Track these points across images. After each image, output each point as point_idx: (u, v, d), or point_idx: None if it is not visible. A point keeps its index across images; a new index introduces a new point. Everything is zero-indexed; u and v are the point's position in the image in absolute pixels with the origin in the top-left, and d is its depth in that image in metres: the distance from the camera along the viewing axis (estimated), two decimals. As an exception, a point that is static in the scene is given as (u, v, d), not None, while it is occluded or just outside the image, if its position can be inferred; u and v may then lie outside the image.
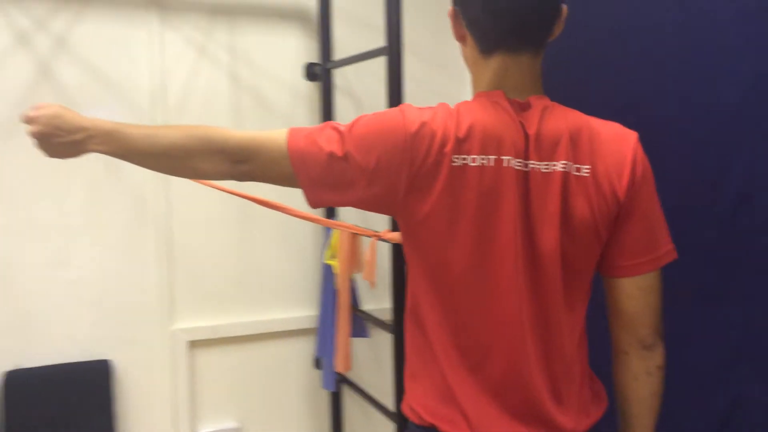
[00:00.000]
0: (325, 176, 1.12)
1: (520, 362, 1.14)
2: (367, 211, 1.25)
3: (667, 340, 1.35)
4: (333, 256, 2.23)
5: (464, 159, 1.08)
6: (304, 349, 2.50)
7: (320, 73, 2.40)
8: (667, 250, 1.18)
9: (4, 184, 2.10)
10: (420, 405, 1.18)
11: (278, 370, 2.48)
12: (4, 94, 2.09)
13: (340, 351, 2.17)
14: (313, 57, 2.45)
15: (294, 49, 2.45)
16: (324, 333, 2.28)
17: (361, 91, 2.53)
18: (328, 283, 2.27)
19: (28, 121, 1.20)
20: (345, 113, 2.46)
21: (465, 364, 1.15)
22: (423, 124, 1.09)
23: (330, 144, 1.11)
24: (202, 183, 1.76)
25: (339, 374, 2.27)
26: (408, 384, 1.23)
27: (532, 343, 1.14)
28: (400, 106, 1.14)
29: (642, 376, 1.20)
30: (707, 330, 1.40)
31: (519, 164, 1.10)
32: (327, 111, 2.40)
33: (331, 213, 2.40)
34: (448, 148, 1.08)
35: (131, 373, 2.27)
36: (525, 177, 1.11)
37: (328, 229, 2.31)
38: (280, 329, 2.46)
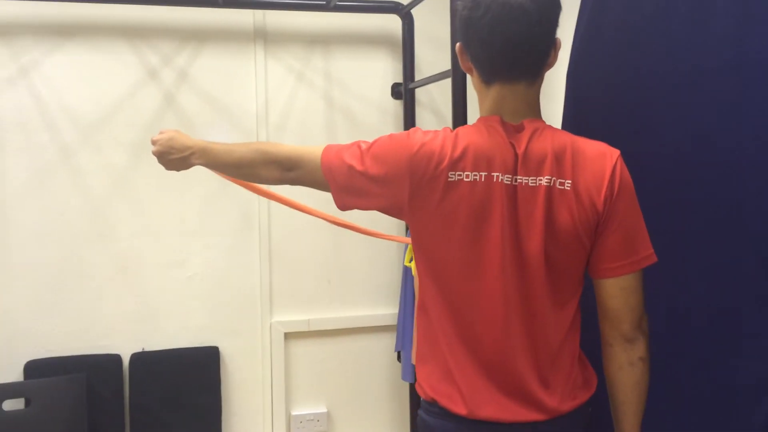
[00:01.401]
0: (347, 184, 1.35)
1: (507, 351, 1.29)
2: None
3: (715, 346, 1.41)
4: (412, 260, 2.43)
5: (459, 175, 1.26)
6: (387, 343, 2.71)
7: (403, 92, 2.63)
8: (645, 255, 1.29)
9: (134, 195, 2.48)
10: (426, 383, 1.36)
11: (363, 361, 2.71)
12: (136, 119, 2.46)
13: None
14: (400, 77, 2.67)
15: (382, 70, 2.69)
16: (403, 329, 2.48)
17: (443, 106, 2.72)
18: (408, 284, 2.47)
19: (152, 143, 1.58)
20: (427, 127, 2.64)
21: (463, 350, 1.31)
22: (422, 145, 1.28)
23: (353, 159, 1.33)
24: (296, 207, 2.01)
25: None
26: (418, 366, 1.40)
27: (519, 336, 1.29)
28: (409, 130, 1.35)
29: (626, 366, 1.31)
30: (757, 337, 1.39)
31: (508, 179, 1.26)
32: (410, 126, 2.61)
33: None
34: (444, 165, 1.26)
35: (235, 358, 2.58)
36: (513, 190, 1.26)
37: (408, 234, 2.51)
38: (365, 324, 2.69)
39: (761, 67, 1.35)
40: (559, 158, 1.26)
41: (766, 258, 1.36)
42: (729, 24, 1.41)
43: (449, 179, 1.26)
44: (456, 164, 1.26)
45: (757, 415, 1.37)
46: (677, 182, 1.52)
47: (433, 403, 1.34)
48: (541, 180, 1.25)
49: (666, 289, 1.47)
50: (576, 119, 1.76)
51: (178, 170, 1.60)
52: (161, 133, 1.58)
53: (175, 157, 1.54)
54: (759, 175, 1.37)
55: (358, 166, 1.32)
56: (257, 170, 1.45)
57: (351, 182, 1.34)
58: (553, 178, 1.25)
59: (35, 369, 2.35)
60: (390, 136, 1.35)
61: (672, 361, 1.47)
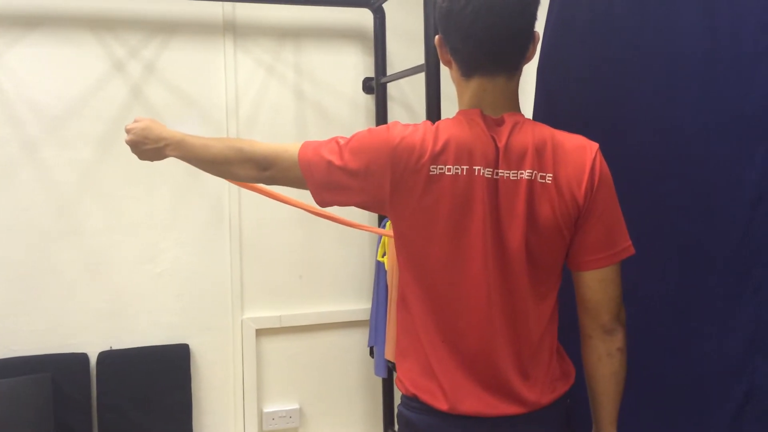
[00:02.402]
0: (327, 180, 1.32)
1: (489, 344, 1.29)
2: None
3: (689, 334, 1.44)
4: (384, 254, 2.43)
5: (441, 169, 1.25)
6: (359, 339, 2.71)
7: (375, 86, 2.62)
8: (624, 247, 1.30)
9: (102, 189, 2.42)
10: (407, 378, 1.35)
11: (336, 357, 2.70)
12: (102, 112, 2.41)
13: (391, 340, 2.34)
14: (371, 71, 2.66)
15: (353, 65, 2.67)
16: (376, 324, 2.47)
17: (414, 101, 2.72)
18: (380, 279, 2.46)
19: (126, 131, 1.53)
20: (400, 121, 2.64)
21: (444, 344, 1.31)
22: (403, 138, 1.27)
23: (331, 154, 1.31)
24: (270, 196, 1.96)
25: (389, 362, 2.43)
26: (398, 360, 1.40)
27: (501, 328, 1.29)
28: (389, 124, 1.33)
29: (604, 357, 1.32)
30: (726, 327, 1.44)
31: (489, 173, 1.25)
32: (382, 121, 2.61)
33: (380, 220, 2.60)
34: (425, 159, 1.25)
35: (206, 356, 2.55)
36: (495, 184, 1.26)
37: (381, 228, 2.51)
38: (338, 320, 2.68)
39: (732, 59, 1.38)
40: (540, 152, 1.26)
41: (734, 249, 1.39)
42: (697, 18, 1.43)
43: (431, 173, 1.25)
44: (437, 158, 1.25)
45: (729, 403, 1.41)
46: (647, 175, 1.54)
47: (413, 399, 1.34)
48: (522, 174, 1.25)
49: (636, 280, 1.49)
50: (547, 114, 1.77)
51: (151, 161, 1.55)
52: (136, 121, 1.53)
53: (149, 148, 1.50)
54: (728, 167, 1.39)
55: (337, 161, 1.30)
56: (233, 168, 1.42)
57: (330, 178, 1.32)
58: (534, 172, 1.25)
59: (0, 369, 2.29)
60: (369, 130, 1.34)
61: (643, 351, 1.50)
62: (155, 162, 1.56)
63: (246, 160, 1.39)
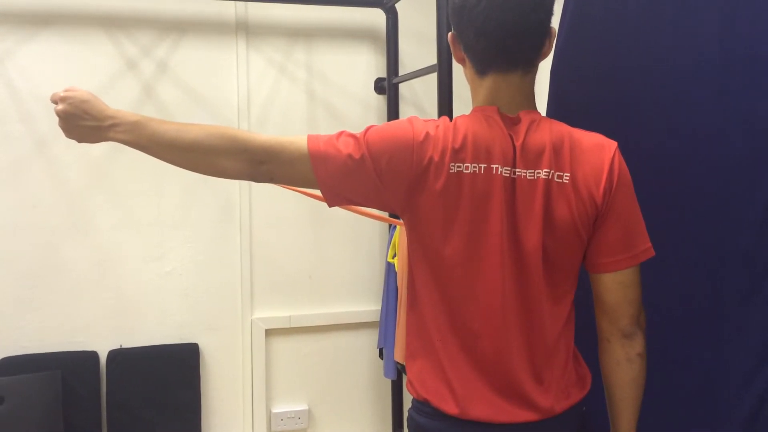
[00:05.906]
0: (342, 174, 1.25)
1: (503, 347, 1.26)
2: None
3: (701, 338, 1.43)
4: (395, 256, 2.41)
5: (459, 167, 1.22)
6: (368, 340, 2.70)
7: (387, 87, 2.60)
8: (644, 248, 1.27)
9: (111, 187, 2.43)
10: (418, 381, 1.32)
11: (345, 358, 2.69)
12: None
13: (400, 342, 2.33)
14: (383, 72, 2.65)
15: (365, 65, 2.66)
16: (386, 325, 2.45)
17: (426, 102, 2.70)
18: (390, 280, 2.45)
19: (60, 99, 1.29)
20: (411, 123, 2.64)
21: (457, 346, 1.28)
22: (428, 135, 1.23)
23: (347, 147, 1.24)
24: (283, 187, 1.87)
25: (399, 363, 2.42)
26: (408, 363, 1.36)
27: (516, 331, 1.26)
28: (409, 118, 1.29)
29: (623, 362, 1.29)
30: (739, 331, 1.43)
31: (507, 172, 1.23)
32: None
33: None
34: (447, 157, 1.22)
35: (215, 355, 2.55)
36: (512, 183, 1.23)
37: (391, 230, 2.50)
38: (347, 321, 2.67)
39: (743, 64, 1.36)
40: (557, 151, 1.23)
41: (747, 252, 1.37)
42: (712, 21, 1.42)
43: (450, 171, 1.22)
44: (457, 155, 1.22)
45: (742, 408, 1.39)
46: (659, 177, 1.52)
47: (425, 403, 1.31)
48: (539, 173, 1.23)
49: (648, 284, 1.48)
50: (560, 114, 1.75)
51: (80, 141, 1.33)
52: (70, 90, 1.29)
53: (88, 125, 1.28)
54: (739, 171, 1.38)
55: (356, 154, 1.24)
56: (219, 159, 1.25)
57: (346, 171, 1.25)
58: (552, 171, 1.23)
59: (9, 366, 2.29)
60: (386, 124, 1.30)
61: (655, 357, 1.48)
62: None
63: (240, 150, 1.24)
